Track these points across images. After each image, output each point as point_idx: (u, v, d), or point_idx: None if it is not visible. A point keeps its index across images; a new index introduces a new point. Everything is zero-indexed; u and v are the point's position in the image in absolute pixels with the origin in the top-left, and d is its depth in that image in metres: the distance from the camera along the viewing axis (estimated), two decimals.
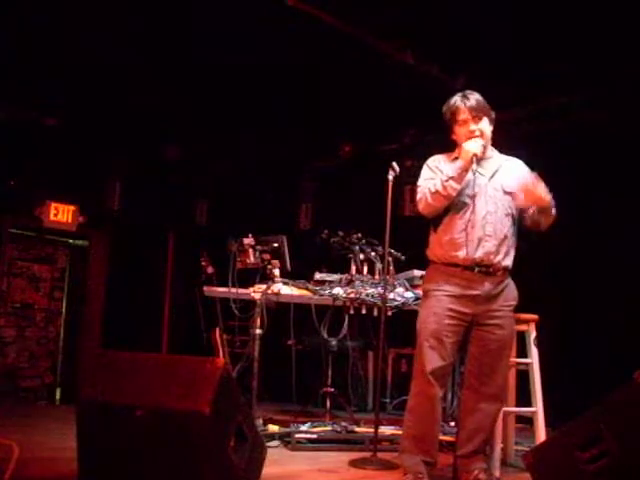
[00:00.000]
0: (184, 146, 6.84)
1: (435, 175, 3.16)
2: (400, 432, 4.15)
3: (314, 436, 4.00)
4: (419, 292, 4.44)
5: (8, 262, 6.56)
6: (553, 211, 3.12)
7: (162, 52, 4.99)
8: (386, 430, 4.15)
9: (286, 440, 3.97)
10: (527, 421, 3.68)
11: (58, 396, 6.87)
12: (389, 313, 4.21)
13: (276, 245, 4.47)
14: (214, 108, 5.80)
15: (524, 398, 3.64)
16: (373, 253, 4.58)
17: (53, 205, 6.58)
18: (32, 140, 6.08)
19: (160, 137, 6.64)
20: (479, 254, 3.05)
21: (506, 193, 3.15)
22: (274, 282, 4.30)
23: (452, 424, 4.43)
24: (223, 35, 4.76)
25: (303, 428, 4.14)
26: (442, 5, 4.34)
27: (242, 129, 6.23)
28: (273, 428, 4.18)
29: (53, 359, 6.92)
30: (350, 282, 4.42)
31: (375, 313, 4.36)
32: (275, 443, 3.94)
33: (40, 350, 6.81)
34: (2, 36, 4.67)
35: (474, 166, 3.04)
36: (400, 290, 4.38)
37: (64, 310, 7.04)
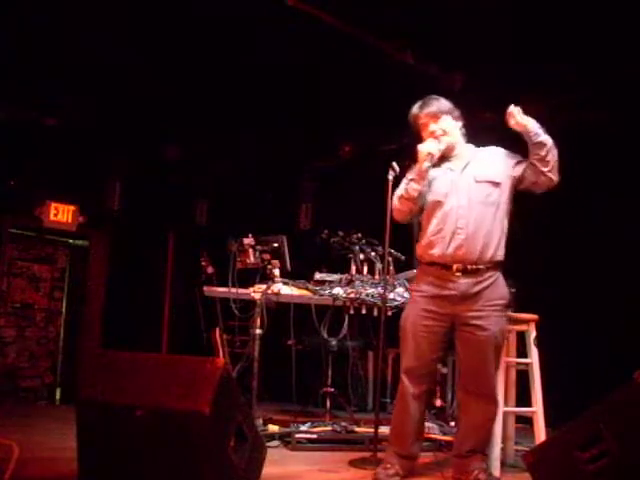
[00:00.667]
0: (184, 146, 6.83)
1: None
2: None
3: (314, 436, 4.00)
4: None
5: (8, 262, 6.56)
6: (549, 151, 3.08)
7: (162, 52, 4.98)
8: (386, 430, 4.14)
9: (286, 440, 3.97)
10: (527, 421, 3.68)
11: (58, 396, 6.87)
12: (389, 313, 4.21)
13: (276, 245, 4.47)
14: (214, 108, 5.80)
15: (524, 398, 3.64)
16: (373, 253, 4.58)
17: (53, 205, 6.57)
18: (32, 140, 6.07)
19: (160, 137, 6.63)
20: (452, 250, 3.05)
21: (479, 182, 3.13)
22: (274, 282, 4.30)
23: (452, 424, 4.43)
24: (223, 35, 4.76)
25: (303, 428, 4.14)
26: (442, 5, 4.34)
27: (242, 129, 6.23)
28: (273, 428, 4.18)
29: (53, 359, 6.92)
30: (350, 282, 4.42)
31: (375, 313, 4.36)
32: (275, 443, 3.94)
33: (40, 350, 6.80)
34: (2, 36, 4.66)
35: (426, 164, 3.08)
36: (400, 290, 4.38)
37: (64, 310, 7.04)
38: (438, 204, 3.13)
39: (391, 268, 4.43)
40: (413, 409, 3.15)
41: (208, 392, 2.46)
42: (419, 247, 3.22)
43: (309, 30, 4.54)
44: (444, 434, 4.15)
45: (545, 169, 3.09)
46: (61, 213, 6.63)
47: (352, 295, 4.33)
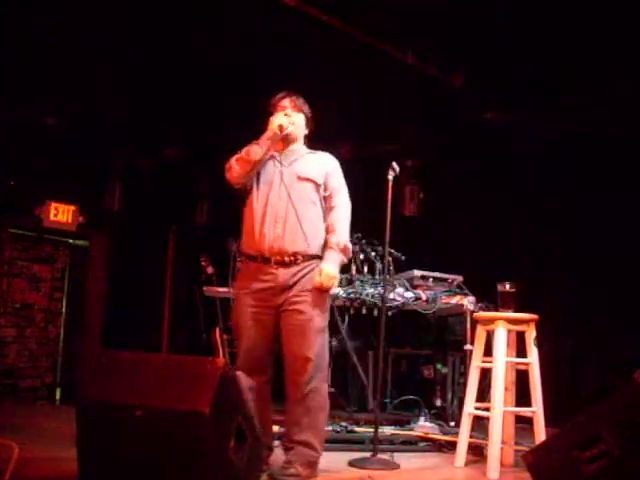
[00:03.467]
0: (184, 146, 6.83)
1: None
2: (400, 432, 4.18)
3: None
4: (419, 292, 4.46)
5: (8, 262, 6.56)
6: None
7: (162, 52, 4.98)
8: (386, 430, 4.15)
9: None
10: (527, 421, 3.68)
11: (58, 396, 6.86)
12: (389, 313, 4.21)
13: None
14: (214, 108, 5.80)
15: (524, 398, 3.64)
16: (373, 253, 4.58)
17: (53, 205, 6.57)
18: (32, 140, 6.07)
19: (160, 137, 6.63)
20: (269, 242, 3.11)
21: (301, 179, 3.22)
22: None
23: (452, 424, 4.43)
24: (223, 35, 4.76)
25: None
26: (442, 5, 4.34)
27: (242, 129, 6.22)
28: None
29: (53, 359, 6.92)
30: (350, 282, 4.42)
31: (375, 313, 4.36)
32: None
33: (40, 350, 6.80)
34: (2, 36, 4.66)
35: (275, 133, 3.16)
36: (400, 290, 4.39)
37: (64, 310, 7.04)
38: (261, 194, 3.19)
39: (391, 268, 4.43)
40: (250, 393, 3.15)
41: (208, 392, 2.46)
42: (242, 239, 3.26)
43: (309, 30, 4.54)
44: (444, 434, 4.15)
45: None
46: (61, 213, 6.63)
47: (352, 295, 4.33)
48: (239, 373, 3.01)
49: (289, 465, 3.08)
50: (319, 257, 3.18)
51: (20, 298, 6.69)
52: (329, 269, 3.13)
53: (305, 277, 3.14)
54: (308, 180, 3.23)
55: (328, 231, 3.24)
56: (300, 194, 3.18)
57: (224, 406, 2.52)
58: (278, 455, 3.30)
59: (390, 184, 3.60)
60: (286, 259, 3.11)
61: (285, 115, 3.25)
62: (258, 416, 3.06)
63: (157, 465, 2.51)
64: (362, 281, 4.42)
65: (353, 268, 4.56)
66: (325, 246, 3.21)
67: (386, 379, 5.85)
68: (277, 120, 3.21)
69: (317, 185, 3.24)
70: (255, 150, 3.17)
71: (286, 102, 3.32)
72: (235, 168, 3.19)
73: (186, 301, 6.77)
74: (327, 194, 3.29)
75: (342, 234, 3.26)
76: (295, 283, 3.13)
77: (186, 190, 7.28)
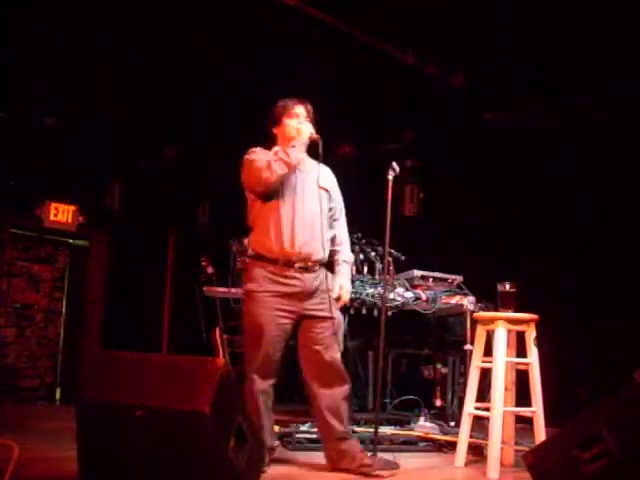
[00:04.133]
0: (184, 146, 6.83)
1: (271, 154, 3.28)
2: (400, 432, 4.18)
3: (314, 436, 4.00)
4: (419, 292, 4.46)
5: (8, 262, 6.56)
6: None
7: (162, 52, 4.98)
8: (386, 430, 4.15)
9: (286, 440, 3.96)
10: (527, 421, 3.68)
11: (58, 396, 6.87)
12: (389, 313, 4.20)
13: None
14: (214, 108, 5.80)
15: (524, 398, 3.64)
16: (373, 253, 4.57)
17: (53, 205, 6.58)
18: (32, 140, 6.07)
19: (160, 137, 6.63)
20: (297, 248, 3.17)
21: (320, 188, 3.31)
22: None
23: (452, 424, 4.43)
24: (223, 35, 4.76)
25: (303, 428, 4.13)
26: (442, 5, 4.34)
27: (242, 129, 6.22)
28: (274, 428, 4.17)
29: (53, 359, 6.92)
30: (350, 282, 4.41)
31: (375, 313, 4.36)
32: (276, 443, 3.93)
33: (40, 350, 6.81)
34: (2, 36, 4.67)
35: (305, 139, 3.22)
36: (400, 290, 4.38)
37: (64, 310, 7.05)
38: (286, 199, 3.24)
39: (391, 268, 4.43)
40: (263, 403, 3.25)
41: (208, 392, 2.46)
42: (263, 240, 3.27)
43: (309, 30, 4.54)
44: (444, 434, 4.15)
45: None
46: (61, 213, 6.64)
47: (352, 295, 4.32)
48: (255, 377, 3.15)
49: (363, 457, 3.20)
50: (326, 264, 3.31)
51: (20, 298, 6.70)
52: (348, 285, 3.37)
53: (322, 283, 3.25)
54: (325, 189, 3.36)
55: (335, 243, 3.38)
56: (320, 202, 3.29)
57: (224, 406, 2.52)
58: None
59: (390, 184, 3.59)
60: (309, 265, 3.20)
61: (300, 124, 3.30)
62: (264, 417, 3.20)
63: (157, 465, 2.51)
64: (362, 281, 4.42)
65: (353, 268, 4.55)
66: (333, 258, 3.34)
67: (386, 379, 5.86)
68: (306, 127, 3.27)
69: (329, 195, 3.38)
70: (295, 155, 3.20)
71: (301, 110, 3.36)
72: (277, 171, 3.17)
73: (186, 301, 6.77)
74: (333, 205, 3.41)
75: (349, 248, 3.46)
76: (316, 289, 3.23)
77: (186, 190, 7.28)
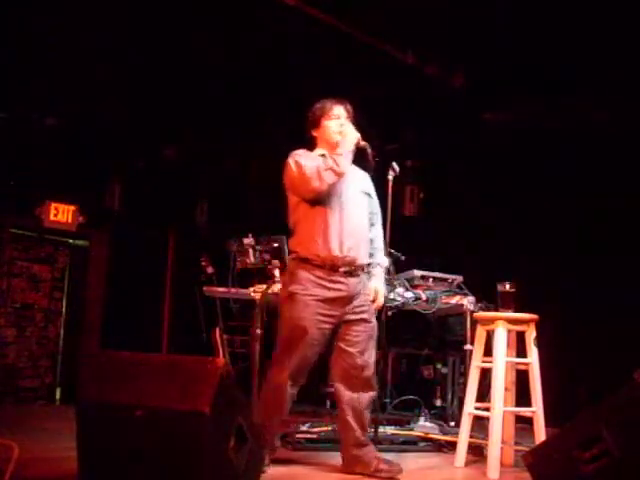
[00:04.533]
0: (184, 146, 6.83)
1: (319, 158, 3.26)
2: (400, 432, 4.18)
3: (314, 436, 4.00)
4: (419, 292, 4.46)
5: (8, 262, 6.56)
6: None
7: (162, 52, 4.98)
8: (386, 430, 4.15)
9: (286, 440, 3.96)
10: (527, 421, 3.68)
11: (58, 396, 6.86)
12: (389, 313, 4.20)
13: (276, 245, 4.46)
14: (214, 108, 5.80)
15: (524, 398, 3.64)
16: None
17: (53, 205, 6.57)
18: (32, 140, 6.07)
19: (160, 137, 6.63)
20: (345, 252, 3.17)
21: (363, 193, 3.36)
22: (274, 282, 4.30)
23: (452, 424, 4.43)
24: (223, 35, 4.76)
25: (303, 428, 4.13)
26: (442, 5, 4.34)
27: (242, 128, 6.23)
28: None
29: (53, 359, 6.92)
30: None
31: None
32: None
33: (40, 350, 6.80)
34: (2, 36, 4.66)
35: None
36: (400, 290, 4.38)
37: (64, 310, 7.04)
38: (333, 204, 3.23)
39: (391, 268, 4.43)
40: (289, 402, 3.26)
41: (208, 392, 2.46)
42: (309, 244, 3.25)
43: (309, 30, 4.54)
44: (444, 434, 4.15)
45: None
46: (61, 213, 6.63)
47: None
48: (288, 383, 3.17)
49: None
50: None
51: (20, 298, 6.69)
52: (383, 289, 3.37)
53: (364, 287, 3.27)
54: (366, 194, 3.39)
55: (372, 247, 3.38)
56: (364, 207, 3.33)
57: (224, 406, 2.52)
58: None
59: (390, 184, 3.59)
60: (353, 269, 3.21)
61: (342, 125, 3.30)
62: (280, 419, 3.24)
63: (157, 465, 2.51)
64: None
65: None
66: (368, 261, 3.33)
67: (386, 379, 5.86)
68: (350, 131, 3.26)
69: (369, 200, 3.41)
70: (345, 164, 3.19)
71: (340, 110, 3.36)
72: (327, 181, 3.17)
73: (186, 301, 6.77)
74: (371, 209, 3.43)
75: (384, 252, 3.46)
76: (358, 293, 3.23)
77: (186, 190, 7.28)
